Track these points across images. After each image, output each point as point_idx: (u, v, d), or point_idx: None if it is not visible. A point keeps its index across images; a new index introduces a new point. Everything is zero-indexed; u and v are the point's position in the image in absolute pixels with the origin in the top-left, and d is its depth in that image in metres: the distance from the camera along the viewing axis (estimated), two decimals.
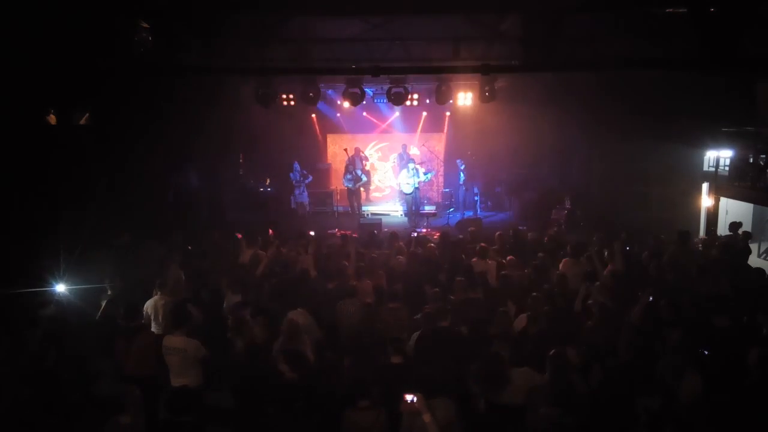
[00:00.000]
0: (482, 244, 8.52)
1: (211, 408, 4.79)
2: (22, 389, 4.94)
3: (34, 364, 5.47)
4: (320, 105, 15.03)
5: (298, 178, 14.86)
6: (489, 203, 15.79)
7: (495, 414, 4.85)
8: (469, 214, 14.74)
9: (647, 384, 4.61)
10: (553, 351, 4.88)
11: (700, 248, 9.55)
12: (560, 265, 7.84)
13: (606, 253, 8.02)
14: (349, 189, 14.86)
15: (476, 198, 15.19)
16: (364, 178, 14.98)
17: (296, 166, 14.95)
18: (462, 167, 14.89)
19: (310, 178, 15.04)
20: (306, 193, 15.03)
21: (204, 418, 4.53)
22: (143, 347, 5.85)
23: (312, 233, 10.29)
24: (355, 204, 14.98)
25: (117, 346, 5.89)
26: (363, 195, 15.62)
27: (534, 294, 6.43)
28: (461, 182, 14.82)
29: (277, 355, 5.44)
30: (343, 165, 15.29)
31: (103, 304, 6.87)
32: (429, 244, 9.00)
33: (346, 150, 15.09)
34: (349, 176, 14.67)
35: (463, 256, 8.50)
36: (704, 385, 4.67)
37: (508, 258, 7.99)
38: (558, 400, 4.53)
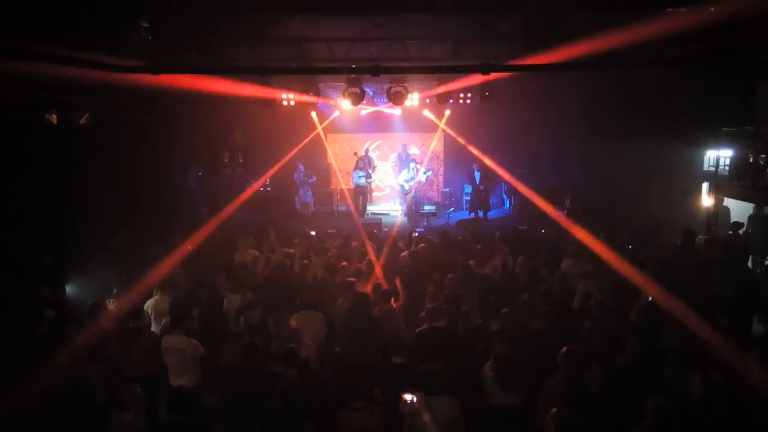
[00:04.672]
0: (479, 246, 8.54)
1: (210, 407, 4.80)
2: (27, 389, 4.95)
3: (40, 364, 5.47)
4: (320, 105, 15.01)
5: (302, 178, 14.86)
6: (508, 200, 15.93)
7: (499, 412, 4.87)
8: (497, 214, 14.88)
9: (655, 383, 4.62)
10: (565, 348, 4.88)
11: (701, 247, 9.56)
12: (562, 264, 7.85)
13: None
14: (357, 186, 14.82)
15: (504, 196, 15.49)
16: (373, 177, 15.00)
17: (300, 167, 14.97)
18: (476, 168, 14.69)
19: (314, 178, 15.04)
20: (310, 193, 15.04)
21: (202, 417, 4.54)
22: (144, 348, 5.85)
23: (313, 233, 10.29)
24: (361, 203, 14.93)
25: (115, 347, 5.87)
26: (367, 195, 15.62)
27: (534, 293, 6.44)
28: (478, 183, 14.59)
29: (275, 355, 5.46)
30: (344, 164, 15.28)
31: (109, 303, 6.89)
32: (422, 244, 8.98)
33: (356, 153, 15.08)
34: (361, 173, 14.64)
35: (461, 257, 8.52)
36: (704, 386, 4.67)
37: (519, 259, 7.97)
38: (572, 398, 4.53)
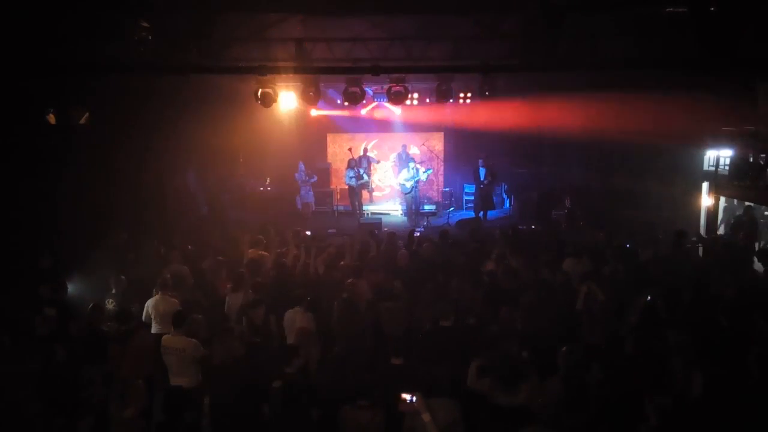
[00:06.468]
0: (484, 245, 8.55)
1: (209, 407, 4.80)
2: (28, 388, 4.96)
3: (40, 363, 5.48)
4: (320, 104, 15.01)
5: (303, 178, 14.84)
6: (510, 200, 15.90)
7: (499, 414, 4.86)
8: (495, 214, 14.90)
9: (657, 383, 4.62)
10: (565, 348, 4.88)
11: (699, 247, 9.56)
12: (564, 264, 7.85)
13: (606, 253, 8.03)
14: (350, 187, 14.83)
15: (504, 196, 15.46)
16: (366, 178, 14.95)
17: (301, 166, 14.93)
18: (481, 164, 14.56)
19: (315, 178, 15.01)
20: (311, 193, 15.02)
21: (202, 417, 4.55)
22: (139, 350, 5.84)
23: (308, 233, 10.28)
24: (357, 203, 14.95)
25: (111, 352, 5.86)
26: (366, 195, 15.58)
27: (534, 293, 6.43)
28: (482, 179, 14.47)
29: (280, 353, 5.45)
30: (344, 164, 15.26)
31: (108, 303, 6.89)
32: (426, 243, 8.98)
33: (350, 149, 15.07)
34: (351, 173, 14.63)
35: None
36: (705, 385, 4.67)
37: (518, 258, 7.98)
38: (571, 398, 4.53)
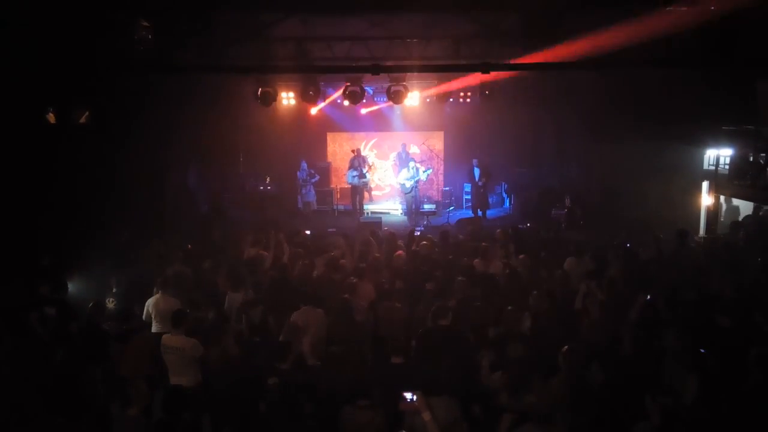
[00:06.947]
0: (483, 244, 8.53)
1: (209, 406, 4.81)
2: (28, 388, 4.96)
3: (43, 362, 5.48)
4: (320, 103, 15.01)
5: (305, 177, 14.83)
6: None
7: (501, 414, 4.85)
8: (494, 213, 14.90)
9: (657, 382, 4.62)
10: (566, 347, 4.87)
11: (700, 247, 9.56)
12: (564, 264, 7.85)
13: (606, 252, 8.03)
14: (352, 186, 14.83)
15: (504, 195, 15.44)
16: (368, 177, 14.97)
17: (303, 165, 14.91)
18: (475, 164, 14.54)
19: (317, 177, 15.01)
20: (313, 192, 15.02)
21: (201, 416, 4.55)
22: (139, 349, 5.85)
23: (308, 232, 10.26)
24: (357, 202, 14.95)
25: (112, 351, 5.86)
26: (365, 195, 15.59)
27: (535, 293, 6.43)
28: (477, 180, 14.51)
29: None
30: (345, 163, 15.27)
31: (108, 302, 6.89)
32: (423, 242, 8.97)
33: (353, 151, 15.08)
34: (355, 172, 14.64)
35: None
36: (702, 387, 4.67)
37: (520, 257, 7.98)
38: (572, 398, 4.53)
